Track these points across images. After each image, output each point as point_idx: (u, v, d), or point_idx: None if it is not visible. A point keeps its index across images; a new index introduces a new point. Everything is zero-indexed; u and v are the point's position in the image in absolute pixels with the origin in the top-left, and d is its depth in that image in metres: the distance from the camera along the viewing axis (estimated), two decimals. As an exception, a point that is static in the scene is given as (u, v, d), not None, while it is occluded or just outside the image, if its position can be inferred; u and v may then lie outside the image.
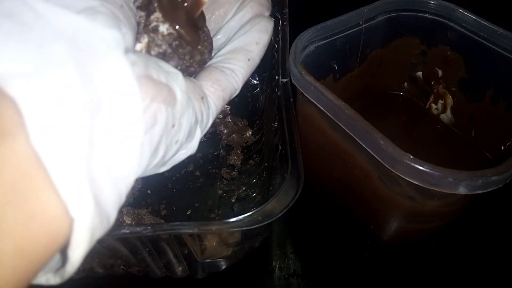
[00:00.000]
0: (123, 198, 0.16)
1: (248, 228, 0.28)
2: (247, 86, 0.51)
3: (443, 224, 0.34)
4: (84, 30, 0.15)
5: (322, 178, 0.42)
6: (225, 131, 0.49)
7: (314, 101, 0.33)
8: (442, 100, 0.48)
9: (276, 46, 0.41)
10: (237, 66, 0.23)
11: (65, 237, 0.14)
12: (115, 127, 0.15)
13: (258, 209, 0.28)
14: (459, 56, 0.43)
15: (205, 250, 0.35)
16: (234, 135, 0.48)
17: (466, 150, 0.45)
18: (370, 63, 0.47)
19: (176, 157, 0.20)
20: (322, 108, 0.33)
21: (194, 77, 0.23)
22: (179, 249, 0.32)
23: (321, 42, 0.40)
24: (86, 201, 0.14)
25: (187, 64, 0.22)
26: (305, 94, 0.34)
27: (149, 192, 0.44)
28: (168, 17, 0.21)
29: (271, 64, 0.42)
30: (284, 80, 0.38)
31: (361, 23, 0.41)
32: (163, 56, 0.21)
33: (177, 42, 0.21)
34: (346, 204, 0.41)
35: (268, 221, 0.27)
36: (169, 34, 0.21)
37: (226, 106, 0.51)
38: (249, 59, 0.23)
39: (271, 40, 0.43)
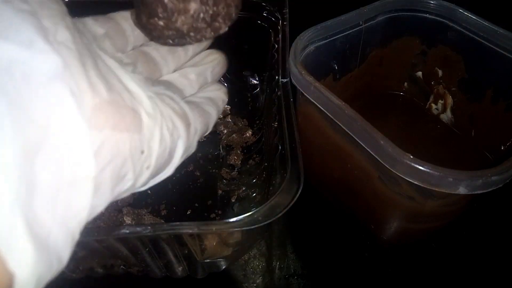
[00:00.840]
0: (76, 235, 0.15)
1: (248, 228, 0.27)
2: (247, 86, 0.51)
3: (443, 224, 0.34)
4: (21, 61, 0.13)
5: (322, 178, 0.42)
6: (225, 131, 0.49)
7: (314, 101, 0.33)
8: (442, 100, 0.48)
9: (276, 46, 0.41)
10: (213, 113, 0.25)
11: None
12: (59, 167, 0.14)
13: (258, 209, 0.28)
14: (459, 56, 0.43)
15: (205, 250, 0.34)
16: (234, 135, 0.47)
17: (466, 150, 0.45)
18: (370, 63, 0.47)
19: (155, 179, 0.20)
20: (322, 108, 0.33)
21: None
22: (179, 249, 0.32)
23: (321, 42, 0.40)
24: (25, 251, 0.13)
25: (211, 12, 0.21)
26: (305, 94, 0.34)
27: (149, 192, 0.44)
28: None
29: (271, 64, 0.42)
30: (284, 80, 0.38)
31: (361, 23, 0.41)
32: None
33: None
34: (346, 204, 0.41)
35: (268, 221, 0.27)
36: None
37: (226, 106, 0.50)
38: (217, 111, 0.26)
39: (271, 40, 0.44)
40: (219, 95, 0.27)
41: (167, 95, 0.21)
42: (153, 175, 0.19)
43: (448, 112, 0.48)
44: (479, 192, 0.27)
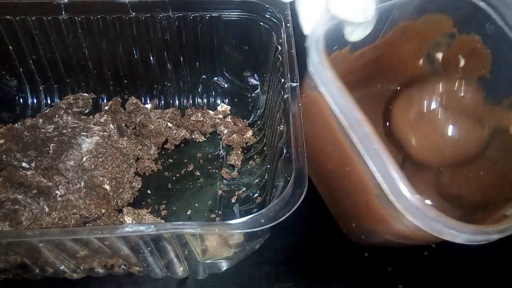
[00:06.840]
0: None
1: (250, 230, 0.28)
2: (247, 86, 0.48)
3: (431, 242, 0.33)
4: None
5: (317, 164, 0.40)
6: (225, 131, 0.47)
7: (330, 99, 0.30)
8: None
9: (280, 48, 0.38)
10: None
11: None
12: None
13: (261, 211, 0.28)
14: (489, 53, 0.37)
15: (206, 251, 0.35)
16: (234, 135, 0.46)
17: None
18: (393, 34, 0.41)
19: None
20: (338, 112, 0.30)
21: None
22: (181, 249, 0.33)
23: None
24: None
25: None
26: (322, 89, 0.30)
27: (149, 192, 0.44)
28: None
29: (274, 66, 0.39)
30: (294, 84, 0.35)
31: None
32: None
33: None
34: (335, 196, 0.40)
35: (271, 224, 0.27)
36: None
37: (226, 106, 0.50)
38: None
39: (273, 42, 0.42)
40: None
41: None
42: None
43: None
44: (474, 244, 0.26)
